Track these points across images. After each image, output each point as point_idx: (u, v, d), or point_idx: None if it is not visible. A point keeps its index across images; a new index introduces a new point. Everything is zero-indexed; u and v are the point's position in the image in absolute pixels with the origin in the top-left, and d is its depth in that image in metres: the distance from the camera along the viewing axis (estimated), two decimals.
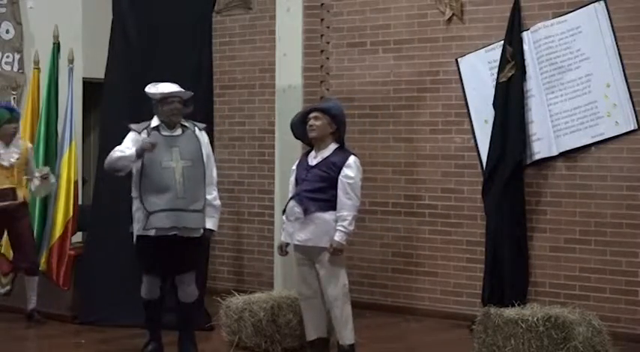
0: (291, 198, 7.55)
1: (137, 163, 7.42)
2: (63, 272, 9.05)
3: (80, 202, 9.41)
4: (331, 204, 7.38)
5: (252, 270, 10.63)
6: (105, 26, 9.21)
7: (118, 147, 7.47)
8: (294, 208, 7.47)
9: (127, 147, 7.42)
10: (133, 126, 7.59)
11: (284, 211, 7.63)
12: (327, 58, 10.06)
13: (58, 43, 9.43)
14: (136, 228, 7.49)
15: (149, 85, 7.62)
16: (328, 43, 10.06)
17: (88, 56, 9.92)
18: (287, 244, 7.64)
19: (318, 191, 7.41)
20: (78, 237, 9.62)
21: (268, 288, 9.40)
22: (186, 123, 7.65)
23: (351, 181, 7.38)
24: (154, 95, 7.57)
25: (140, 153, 7.34)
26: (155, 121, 7.58)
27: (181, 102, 7.57)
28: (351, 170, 7.40)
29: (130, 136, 7.53)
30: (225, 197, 10.64)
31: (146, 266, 7.58)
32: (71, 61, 9.38)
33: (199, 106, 8.83)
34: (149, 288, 7.60)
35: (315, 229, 7.39)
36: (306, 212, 7.40)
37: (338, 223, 7.34)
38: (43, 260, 9.09)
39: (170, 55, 8.89)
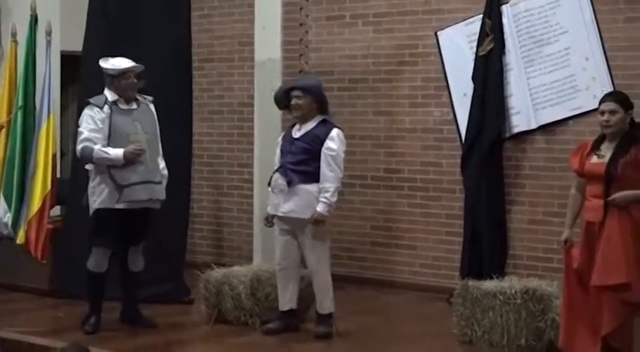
0: (275, 171, 7.59)
1: (103, 137, 7.49)
2: (41, 246, 8.99)
3: (59, 175, 9.37)
4: (315, 177, 7.46)
5: (231, 244, 10.63)
6: None
7: (90, 134, 7.48)
8: (279, 180, 7.53)
9: (97, 137, 7.46)
10: (92, 100, 7.64)
11: (269, 183, 7.66)
12: (307, 32, 10.02)
13: (36, 16, 9.33)
14: (98, 201, 7.54)
15: (102, 60, 7.70)
16: (307, 16, 10.01)
17: (65, 29, 9.82)
18: (273, 216, 7.68)
19: (302, 163, 7.48)
20: (57, 211, 9.58)
21: (247, 262, 9.41)
22: (138, 97, 7.73)
23: (333, 153, 7.46)
24: (111, 70, 7.61)
25: (129, 161, 7.41)
26: (111, 95, 7.62)
27: (136, 77, 7.65)
28: (333, 142, 7.48)
29: (92, 114, 7.55)
30: (204, 170, 10.68)
31: (103, 239, 7.61)
32: (49, 34, 9.29)
33: (178, 80, 8.85)
34: (99, 261, 7.64)
35: (298, 201, 7.46)
36: (290, 184, 7.46)
37: (320, 195, 7.42)
38: (21, 233, 9.05)
39: (148, 27, 8.84)
